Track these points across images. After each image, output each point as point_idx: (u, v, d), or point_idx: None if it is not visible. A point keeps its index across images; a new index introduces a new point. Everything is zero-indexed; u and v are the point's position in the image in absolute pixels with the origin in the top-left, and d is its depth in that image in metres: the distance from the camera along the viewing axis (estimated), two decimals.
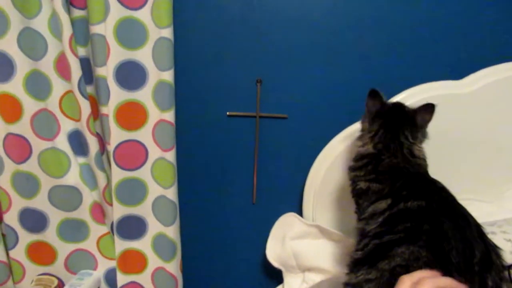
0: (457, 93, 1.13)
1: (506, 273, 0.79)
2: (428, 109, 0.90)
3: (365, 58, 1.18)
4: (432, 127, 1.06)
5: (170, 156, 1.17)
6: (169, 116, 1.15)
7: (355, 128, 1.15)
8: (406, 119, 0.91)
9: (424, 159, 0.91)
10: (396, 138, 0.90)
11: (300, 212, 1.21)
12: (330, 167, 1.17)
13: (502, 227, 0.94)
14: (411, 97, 1.13)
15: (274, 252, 1.13)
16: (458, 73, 1.15)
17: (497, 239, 0.91)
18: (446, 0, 1.15)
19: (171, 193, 1.20)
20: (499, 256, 0.74)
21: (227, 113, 1.22)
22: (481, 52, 1.17)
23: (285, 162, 1.24)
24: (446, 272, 0.63)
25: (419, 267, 0.66)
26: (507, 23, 1.16)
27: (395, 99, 1.14)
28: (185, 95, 1.21)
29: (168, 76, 1.12)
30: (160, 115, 1.16)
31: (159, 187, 1.22)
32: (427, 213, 0.74)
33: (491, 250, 0.73)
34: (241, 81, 1.20)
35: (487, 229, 0.93)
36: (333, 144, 1.17)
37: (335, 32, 1.17)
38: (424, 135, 0.93)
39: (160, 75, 1.13)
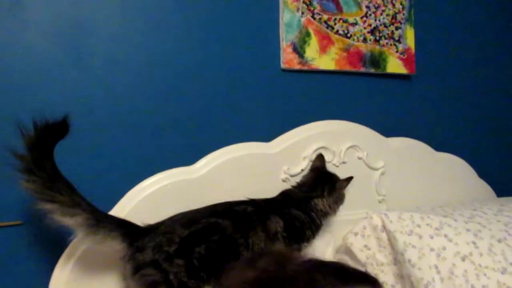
0: (189, 179, 1.24)
1: None
2: (349, 179, 1.28)
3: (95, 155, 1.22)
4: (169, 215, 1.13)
5: None
6: None
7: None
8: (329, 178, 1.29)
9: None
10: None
11: None
12: (73, 268, 1.13)
13: None
14: (147, 188, 1.20)
15: None
16: (190, 159, 1.28)
17: None
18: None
19: None
20: None
21: None
22: (212, 136, 1.34)
23: (22, 271, 1.15)
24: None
25: None
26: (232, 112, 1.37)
27: (133, 190, 1.19)
28: None
29: None
30: None
31: None
32: None
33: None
34: None
35: None
36: (75, 244, 1.14)
37: None
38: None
39: None
